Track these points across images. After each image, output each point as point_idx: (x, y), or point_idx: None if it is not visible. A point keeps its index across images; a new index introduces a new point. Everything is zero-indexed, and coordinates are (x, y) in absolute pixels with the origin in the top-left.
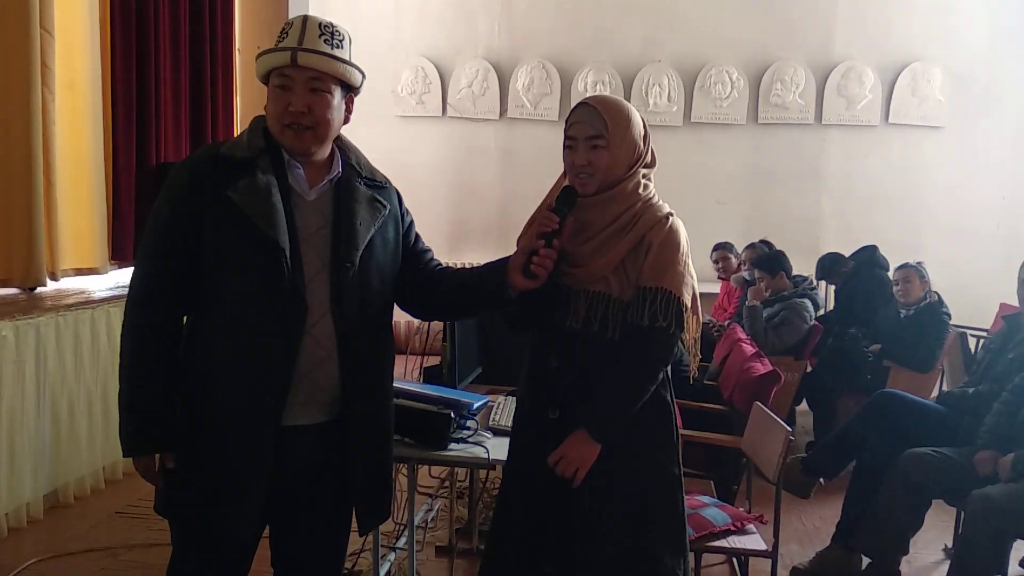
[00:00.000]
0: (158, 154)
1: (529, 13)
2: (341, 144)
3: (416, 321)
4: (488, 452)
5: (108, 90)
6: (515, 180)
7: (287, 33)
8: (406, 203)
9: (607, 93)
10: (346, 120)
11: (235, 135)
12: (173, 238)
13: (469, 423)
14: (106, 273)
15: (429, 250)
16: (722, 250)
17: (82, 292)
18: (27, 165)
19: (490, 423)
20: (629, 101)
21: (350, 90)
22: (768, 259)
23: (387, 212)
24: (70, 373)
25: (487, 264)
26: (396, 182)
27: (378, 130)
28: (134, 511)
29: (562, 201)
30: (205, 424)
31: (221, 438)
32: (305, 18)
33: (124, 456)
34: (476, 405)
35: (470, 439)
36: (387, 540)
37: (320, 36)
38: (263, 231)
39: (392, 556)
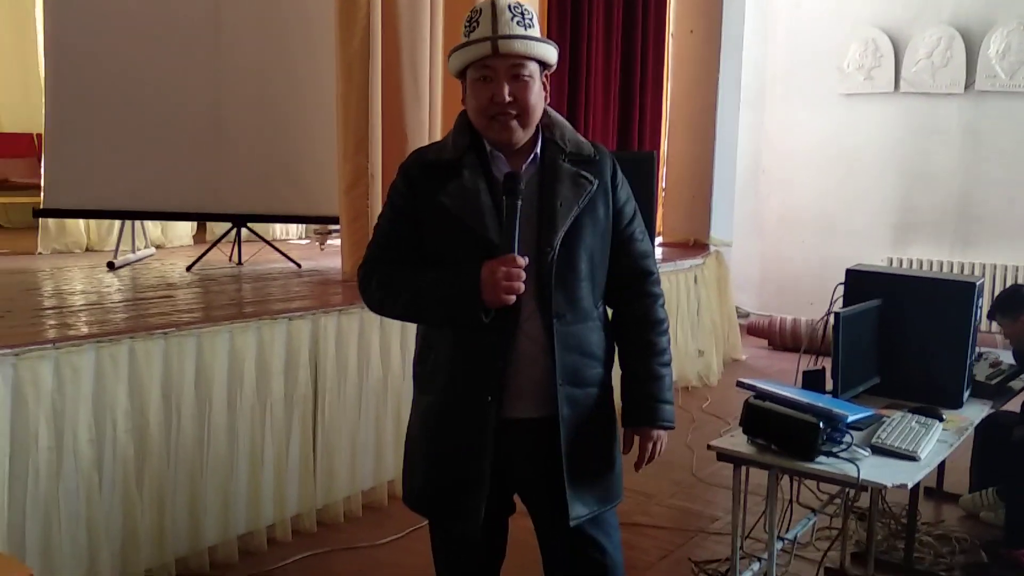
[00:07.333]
0: None
1: None
2: (547, 120)
3: (813, 318)
4: (859, 471)
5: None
6: (982, 164)
7: (477, 22)
8: (846, 189)
9: None
10: (545, 99)
11: (663, 122)
12: (395, 240)
13: (845, 437)
14: None
15: (639, 243)
16: None
17: None
18: None
19: (873, 440)
20: None
21: (545, 67)
22: None
23: (595, 187)
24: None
25: (632, 384)
26: (835, 166)
27: (818, 111)
28: None
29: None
30: (433, 419)
31: (447, 432)
32: (493, 3)
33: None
34: (852, 418)
35: (842, 454)
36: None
37: (512, 19)
38: (476, 230)
39: (756, 566)
